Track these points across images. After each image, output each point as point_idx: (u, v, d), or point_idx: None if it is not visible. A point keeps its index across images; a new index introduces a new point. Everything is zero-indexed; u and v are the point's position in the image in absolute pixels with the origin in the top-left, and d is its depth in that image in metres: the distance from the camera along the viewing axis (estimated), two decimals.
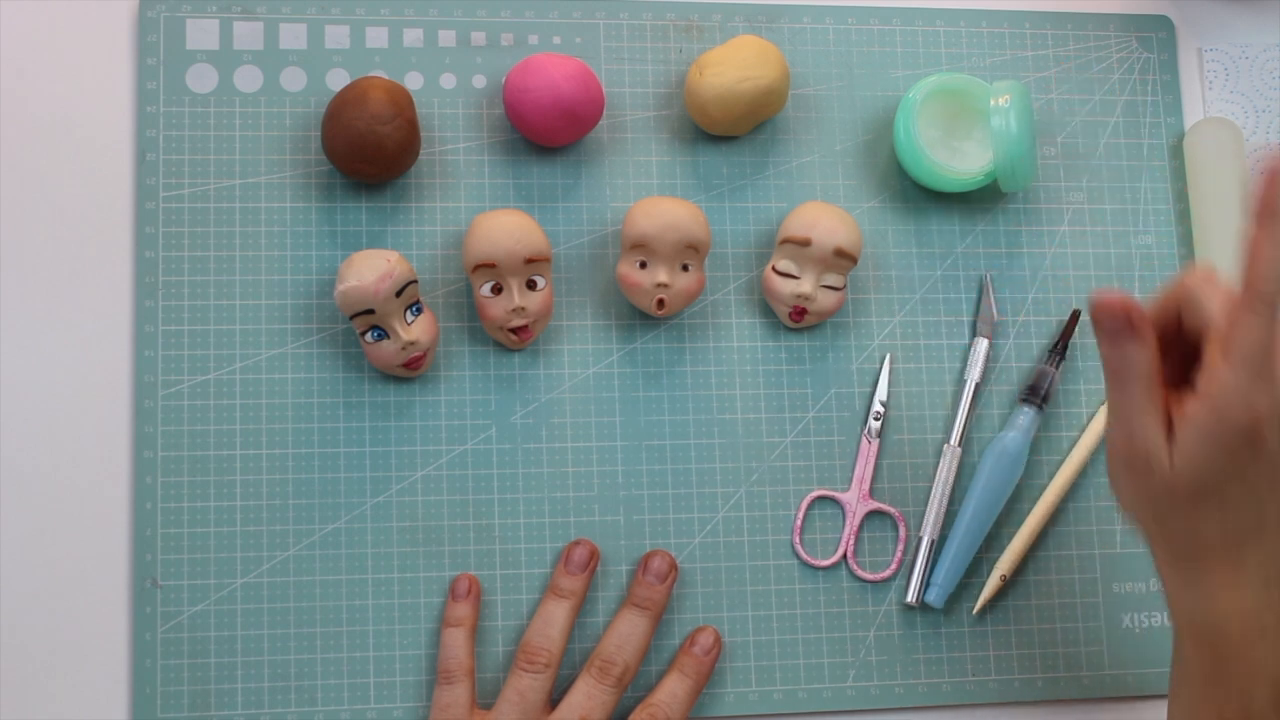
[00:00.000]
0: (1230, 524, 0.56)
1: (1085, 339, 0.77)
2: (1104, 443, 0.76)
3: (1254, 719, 0.57)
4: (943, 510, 0.74)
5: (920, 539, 0.74)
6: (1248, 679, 0.57)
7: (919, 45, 0.80)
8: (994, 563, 0.74)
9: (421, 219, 0.74)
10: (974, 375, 0.75)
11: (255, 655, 0.69)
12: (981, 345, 0.76)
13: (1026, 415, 0.75)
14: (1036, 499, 0.75)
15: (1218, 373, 0.54)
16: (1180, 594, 0.59)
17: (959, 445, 0.75)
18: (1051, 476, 0.75)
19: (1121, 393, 0.57)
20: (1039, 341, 0.77)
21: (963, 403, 0.75)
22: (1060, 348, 0.76)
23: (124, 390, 0.71)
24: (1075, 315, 0.76)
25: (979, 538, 0.73)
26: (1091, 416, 0.76)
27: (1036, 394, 0.75)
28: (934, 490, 0.74)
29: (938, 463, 0.75)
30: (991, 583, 0.73)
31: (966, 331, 0.77)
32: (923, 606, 0.73)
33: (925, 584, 0.73)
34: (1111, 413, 0.58)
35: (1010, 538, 0.74)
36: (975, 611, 0.73)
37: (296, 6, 0.75)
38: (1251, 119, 0.82)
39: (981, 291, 0.77)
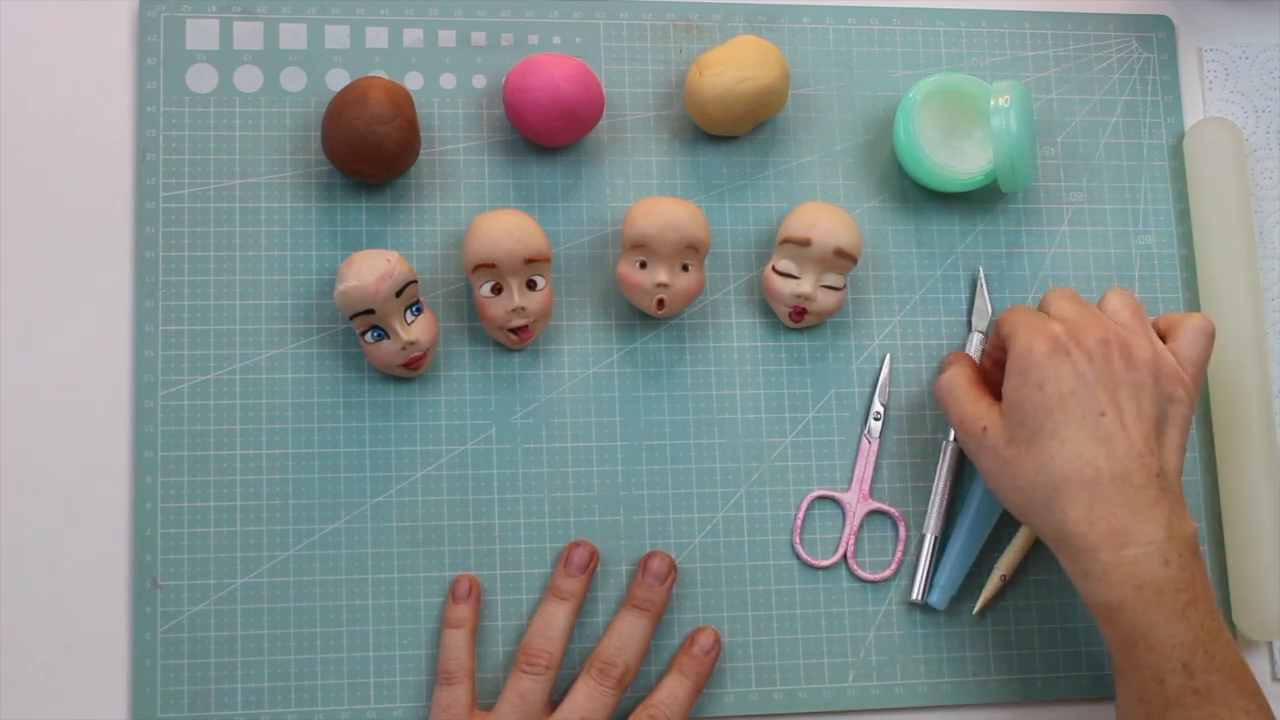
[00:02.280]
0: (1081, 461, 0.63)
1: None
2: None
3: (1170, 695, 0.61)
4: (944, 506, 0.74)
5: (922, 536, 0.74)
6: (1156, 655, 0.61)
7: (919, 45, 0.80)
8: (994, 563, 0.74)
9: (421, 219, 0.74)
10: None
11: (255, 655, 0.69)
12: (975, 339, 0.76)
13: None
14: None
15: (1009, 322, 0.68)
16: (1082, 585, 0.64)
17: (956, 440, 0.75)
18: None
19: (953, 400, 0.69)
20: None
21: None
22: None
23: (124, 390, 0.71)
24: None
25: (980, 538, 0.73)
26: None
27: None
28: (935, 486, 0.74)
29: (938, 460, 0.75)
30: (991, 583, 0.73)
31: (966, 331, 0.77)
32: (925, 607, 0.73)
33: (929, 582, 0.73)
34: (956, 420, 0.69)
35: (1010, 538, 0.74)
36: (975, 611, 0.73)
37: (296, 6, 0.75)
38: (1251, 119, 0.82)
39: (974, 287, 0.77)
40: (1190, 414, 0.66)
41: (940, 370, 0.72)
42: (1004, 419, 0.66)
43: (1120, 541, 0.62)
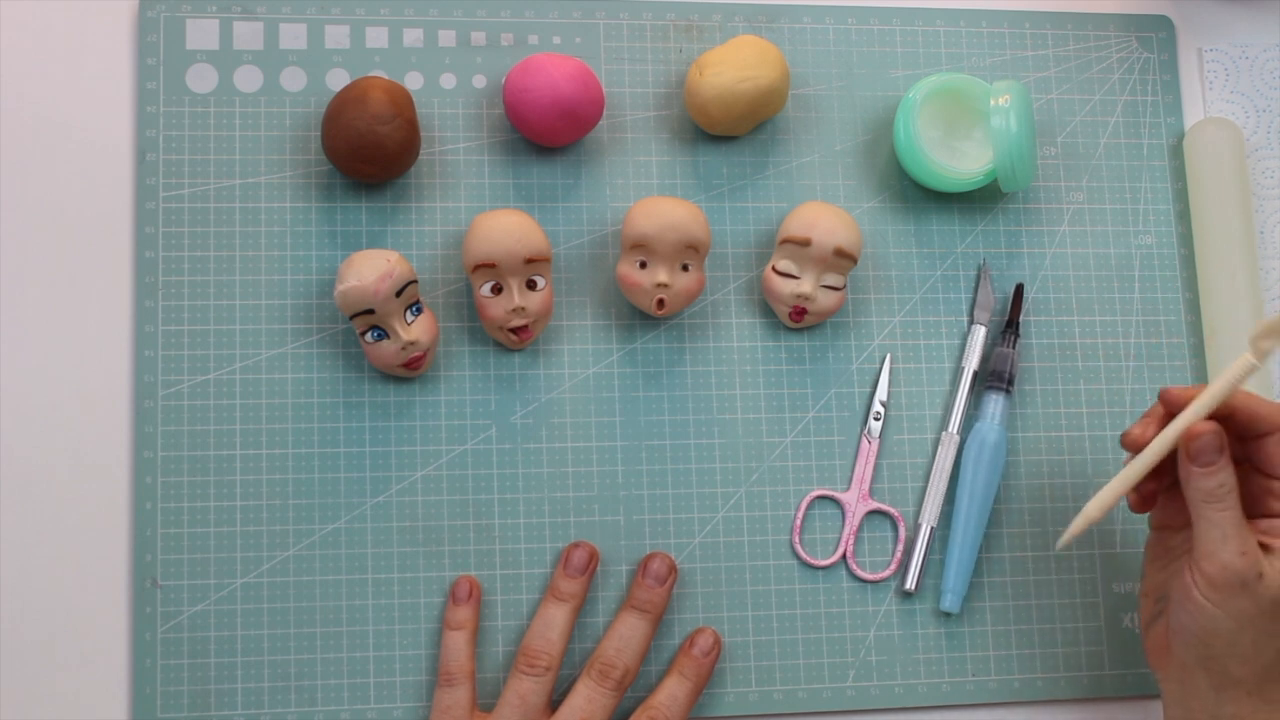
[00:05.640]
0: None
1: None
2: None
3: None
4: (941, 496, 0.74)
5: (919, 526, 0.74)
6: None
7: (919, 45, 0.80)
8: (994, 563, 0.74)
9: (421, 219, 0.74)
10: (972, 363, 0.75)
11: (255, 655, 0.69)
12: (979, 332, 0.76)
13: (996, 402, 0.75)
14: (1033, 493, 0.75)
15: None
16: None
17: (957, 433, 0.75)
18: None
19: (1228, 511, 0.62)
20: (1039, 341, 0.77)
21: (961, 390, 0.75)
22: (1013, 325, 0.76)
23: (124, 390, 0.71)
24: (1019, 289, 0.76)
25: (979, 534, 0.74)
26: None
27: (1001, 379, 0.75)
28: (932, 476, 0.74)
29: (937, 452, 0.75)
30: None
31: (967, 326, 0.77)
32: (926, 607, 0.73)
33: (922, 572, 0.73)
34: (1213, 535, 0.62)
35: (1005, 538, 0.74)
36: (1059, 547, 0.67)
37: (296, 6, 0.75)
38: (1251, 119, 0.82)
39: (979, 279, 0.77)
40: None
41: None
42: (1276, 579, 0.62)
43: None
